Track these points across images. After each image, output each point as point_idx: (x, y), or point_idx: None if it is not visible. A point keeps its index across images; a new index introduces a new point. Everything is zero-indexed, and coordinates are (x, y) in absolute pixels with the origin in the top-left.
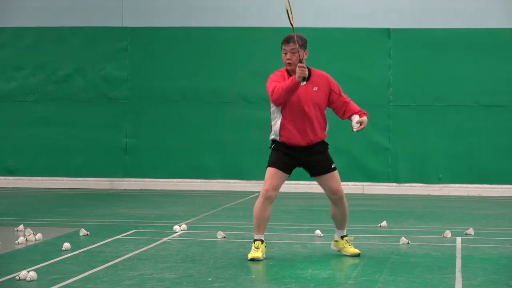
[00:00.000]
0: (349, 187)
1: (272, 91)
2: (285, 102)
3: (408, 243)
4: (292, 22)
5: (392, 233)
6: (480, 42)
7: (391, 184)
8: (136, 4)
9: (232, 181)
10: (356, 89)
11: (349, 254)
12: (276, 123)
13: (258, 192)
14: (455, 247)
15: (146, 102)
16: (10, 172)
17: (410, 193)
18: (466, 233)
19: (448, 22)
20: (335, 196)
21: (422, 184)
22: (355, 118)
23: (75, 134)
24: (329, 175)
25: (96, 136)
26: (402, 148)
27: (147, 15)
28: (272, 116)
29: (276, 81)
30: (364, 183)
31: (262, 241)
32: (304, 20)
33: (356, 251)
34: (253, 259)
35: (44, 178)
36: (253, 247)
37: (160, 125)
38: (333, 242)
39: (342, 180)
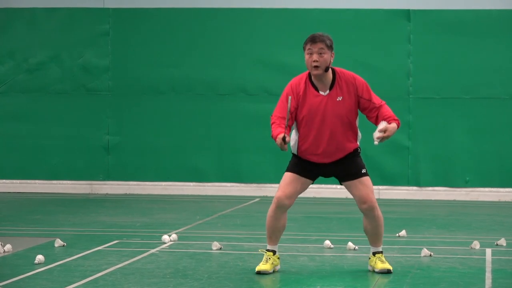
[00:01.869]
0: None
1: (272, 118)
2: None
3: (430, 255)
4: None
5: (412, 244)
6: None
7: (411, 188)
8: None
9: (229, 184)
10: (370, 79)
11: (377, 270)
12: (293, 140)
13: (258, 197)
14: (484, 260)
15: (131, 94)
16: None
17: (432, 198)
18: (497, 244)
19: (477, 2)
20: (364, 206)
21: (446, 188)
22: (381, 125)
23: (49, 131)
24: (358, 180)
25: (73, 133)
26: (424, 146)
27: None
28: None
29: (281, 104)
30: (380, 187)
31: (274, 252)
32: (311, 0)
33: (385, 266)
34: (259, 272)
35: (14, 181)
36: (264, 258)
37: (147, 121)
38: (369, 260)
39: None
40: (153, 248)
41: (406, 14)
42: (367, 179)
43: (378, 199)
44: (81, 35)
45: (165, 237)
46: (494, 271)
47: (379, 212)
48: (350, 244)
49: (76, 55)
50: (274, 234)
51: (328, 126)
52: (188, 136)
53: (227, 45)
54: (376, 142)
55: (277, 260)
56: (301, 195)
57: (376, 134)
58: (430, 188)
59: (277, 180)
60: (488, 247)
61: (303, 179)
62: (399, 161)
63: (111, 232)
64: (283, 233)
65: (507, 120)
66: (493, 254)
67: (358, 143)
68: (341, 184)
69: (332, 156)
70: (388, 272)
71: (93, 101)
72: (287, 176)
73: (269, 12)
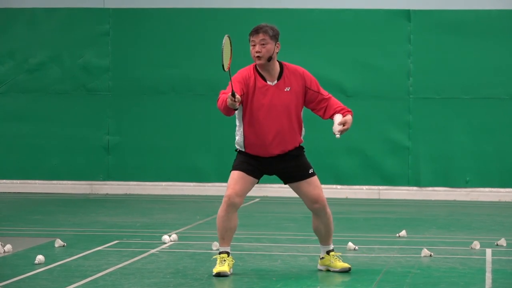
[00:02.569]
0: (363, 192)
1: (218, 98)
2: (228, 115)
3: (430, 255)
4: (226, 64)
5: (412, 244)
6: None
7: (411, 188)
8: None
9: None
10: (371, 80)
11: (337, 270)
12: (238, 133)
13: (258, 197)
14: (484, 260)
15: (131, 94)
16: None
17: (433, 198)
18: (497, 244)
19: (477, 2)
20: (316, 205)
21: (446, 188)
22: (337, 118)
23: (49, 131)
24: (307, 181)
25: (73, 133)
26: (424, 147)
27: None
28: (236, 121)
29: (232, 85)
30: (381, 187)
31: (228, 254)
32: (311, 0)
33: (346, 265)
34: (219, 274)
35: (14, 181)
36: (218, 261)
37: (147, 121)
38: (319, 261)
39: (355, 184)
40: (153, 248)
41: (407, 14)
42: (315, 179)
43: (378, 200)
44: (81, 35)
45: (165, 237)
46: (494, 271)
47: (329, 210)
48: (350, 244)
49: (76, 55)
50: (227, 235)
51: (275, 116)
52: (188, 136)
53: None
54: (337, 136)
55: (232, 261)
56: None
57: (337, 127)
58: (430, 188)
59: (277, 180)
60: (488, 247)
61: (250, 178)
62: (399, 161)
63: (111, 232)
64: (282, 233)
65: (507, 120)
66: (493, 254)
67: (302, 138)
68: (285, 184)
69: (278, 147)
70: (349, 270)
71: (93, 101)
72: (235, 174)
73: (270, 12)
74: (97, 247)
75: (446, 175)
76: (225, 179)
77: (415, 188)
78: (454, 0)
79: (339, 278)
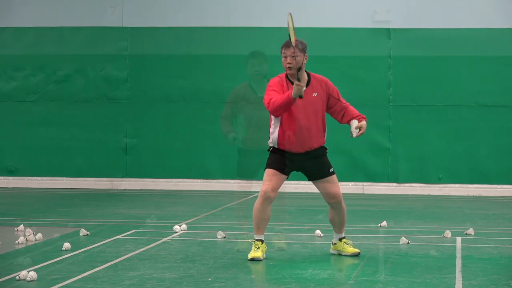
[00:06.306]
0: (349, 187)
1: (268, 103)
2: (282, 114)
3: (408, 243)
4: (293, 39)
5: (392, 233)
6: (480, 42)
7: (391, 184)
8: (136, 4)
9: (232, 181)
10: (356, 89)
11: (349, 254)
12: (275, 132)
13: (257, 192)
14: (455, 247)
15: (146, 102)
16: (10, 172)
17: (410, 193)
18: (466, 233)
19: (448, 22)
20: (333, 200)
21: (422, 184)
22: (354, 123)
23: (75, 134)
24: (327, 179)
25: (96, 136)
26: (402, 148)
27: (147, 15)
28: (271, 123)
29: (273, 91)
30: (364, 183)
31: (262, 241)
32: (303, 20)
33: (356, 250)
34: (253, 259)
35: (44, 178)
36: (253, 247)
37: (160, 125)
38: (332, 246)
39: (342, 180)
40: (166, 236)
41: (387, 33)
42: (334, 177)
43: (362, 194)
44: (102, 51)
45: (176, 227)
46: (463, 257)
47: (344, 204)
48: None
49: (98, 68)
50: (262, 225)
51: (305, 117)
52: (196, 139)
53: (230, 59)
54: (353, 135)
55: (265, 248)
56: (295, 191)
57: (354, 131)
58: (408, 184)
59: None
60: (458, 236)
61: (281, 174)
62: (381, 160)
63: (129, 223)
64: (279, 223)
65: (474, 125)
66: (462, 242)
67: (325, 139)
68: (309, 180)
69: (306, 144)
70: (358, 254)
71: (113, 109)
72: (269, 171)
73: (266, 30)
74: (116, 235)
75: (421, 173)
76: (228, 176)
77: (394, 184)
78: (429, 20)
79: (328, 263)
